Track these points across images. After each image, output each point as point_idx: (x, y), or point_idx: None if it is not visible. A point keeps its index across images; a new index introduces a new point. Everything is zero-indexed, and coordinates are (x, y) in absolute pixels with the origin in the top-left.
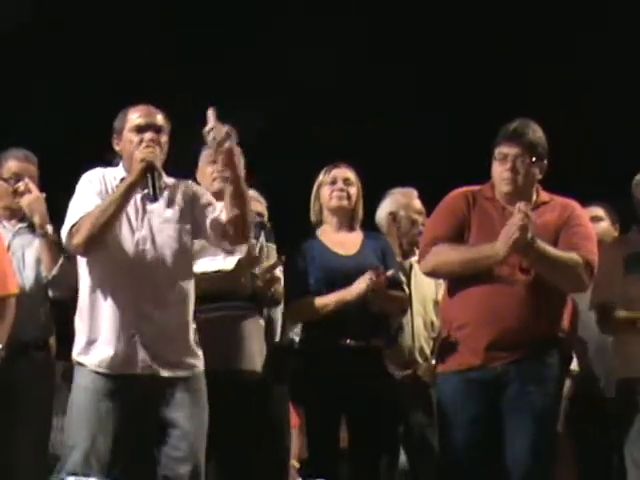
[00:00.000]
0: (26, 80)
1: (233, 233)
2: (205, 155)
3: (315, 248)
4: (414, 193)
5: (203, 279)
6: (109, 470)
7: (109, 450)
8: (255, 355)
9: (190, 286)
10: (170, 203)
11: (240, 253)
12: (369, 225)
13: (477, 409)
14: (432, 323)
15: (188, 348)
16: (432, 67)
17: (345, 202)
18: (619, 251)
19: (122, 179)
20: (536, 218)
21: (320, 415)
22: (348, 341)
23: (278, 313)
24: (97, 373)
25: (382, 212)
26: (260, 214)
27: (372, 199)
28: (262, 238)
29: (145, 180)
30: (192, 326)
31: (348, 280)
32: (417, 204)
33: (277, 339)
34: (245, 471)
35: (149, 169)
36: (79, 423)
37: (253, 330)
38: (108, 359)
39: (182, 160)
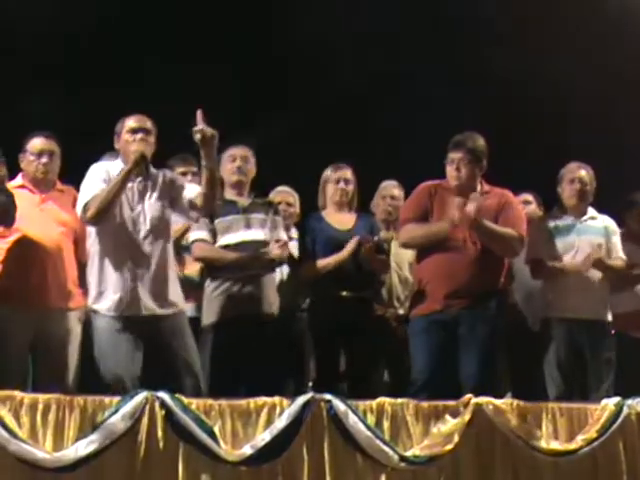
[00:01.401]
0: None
1: (202, 205)
2: (225, 156)
3: (321, 224)
4: (391, 185)
5: (231, 248)
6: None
7: (134, 372)
8: (272, 301)
9: (170, 245)
10: (155, 187)
11: (263, 228)
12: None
13: (438, 341)
14: (406, 279)
15: (174, 292)
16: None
17: (344, 199)
18: (545, 223)
19: (121, 170)
20: (481, 203)
21: (325, 347)
22: (344, 293)
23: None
24: (110, 316)
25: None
26: (290, 204)
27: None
28: (271, 214)
29: (139, 168)
30: (175, 275)
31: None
32: (393, 194)
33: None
34: (273, 385)
35: (141, 158)
36: (107, 357)
37: (269, 283)
38: (117, 304)
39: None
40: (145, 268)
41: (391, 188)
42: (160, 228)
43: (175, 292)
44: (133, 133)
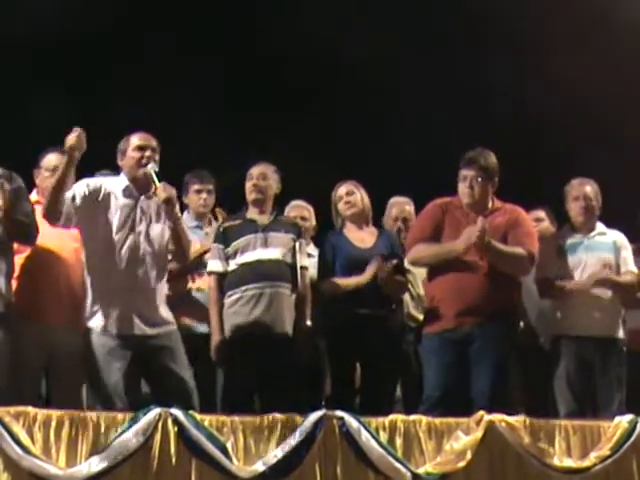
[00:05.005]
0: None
1: (174, 257)
2: (246, 175)
3: (341, 242)
4: (402, 202)
5: (247, 266)
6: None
7: (123, 390)
8: (286, 319)
9: (165, 271)
10: (156, 208)
11: (281, 247)
12: None
13: (450, 358)
14: (419, 296)
15: (165, 310)
16: None
17: (355, 209)
18: (554, 242)
19: (125, 187)
20: (491, 220)
21: (340, 364)
22: (361, 310)
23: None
24: (102, 334)
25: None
26: (304, 218)
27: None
28: (293, 234)
29: (149, 184)
30: (164, 292)
31: (364, 267)
32: (405, 212)
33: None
34: (285, 400)
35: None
36: (99, 374)
37: (285, 303)
38: (109, 323)
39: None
40: (140, 288)
41: (403, 205)
42: (159, 249)
43: (165, 310)
44: (140, 150)
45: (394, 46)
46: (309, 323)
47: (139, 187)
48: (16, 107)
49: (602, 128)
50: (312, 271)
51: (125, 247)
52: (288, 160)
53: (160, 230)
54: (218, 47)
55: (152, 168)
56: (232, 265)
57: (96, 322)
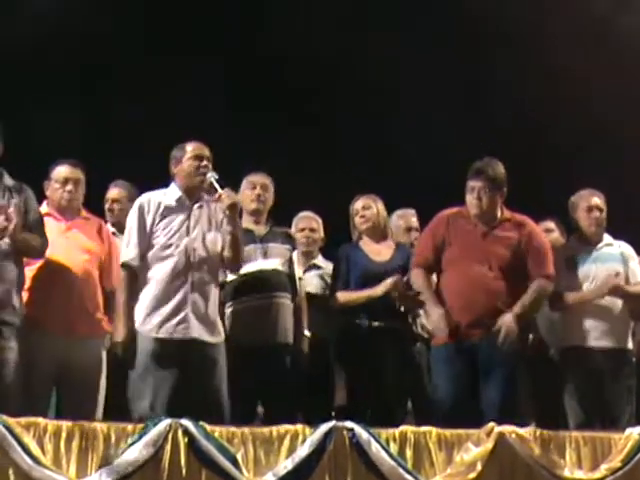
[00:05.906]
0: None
1: (228, 264)
2: (245, 182)
3: (357, 255)
4: (408, 214)
5: (248, 276)
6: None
7: (166, 398)
8: (288, 331)
9: (217, 278)
10: (212, 215)
11: (280, 257)
12: None
13: (459, 369)
14: None
15: (217, 321)
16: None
17: (369, 224)
18: (562, 254)
19: (178, 197)
20: (500, 230)
21: (352, 375)
22: (375, 323)
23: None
24: (154, 338)
25: None
26: (313, 229)
27: None
28: (288, 245)
29: (201, 192)
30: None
31: (380, 280)
32: (413, 223)
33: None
34: (289, 409)
35: (233, 206)
36: (143, 380)
37: (286, 313)
38: (165, 327)
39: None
40: (196, 292)
41: (409, 217)
42: (213, 256)
43: (219, 321)
44: (196, 160)
45: (394, 46)
46: (307, 333)
47: (191, 196)
48: (16, 108)
49: (602, 128)
50: (316, 281)
51: (181, 252)
52: (287, 160)
53: (213, 237)
54: (218, 47)
55: (212, 176)
56: (231, 275)
57: (148, 327)
